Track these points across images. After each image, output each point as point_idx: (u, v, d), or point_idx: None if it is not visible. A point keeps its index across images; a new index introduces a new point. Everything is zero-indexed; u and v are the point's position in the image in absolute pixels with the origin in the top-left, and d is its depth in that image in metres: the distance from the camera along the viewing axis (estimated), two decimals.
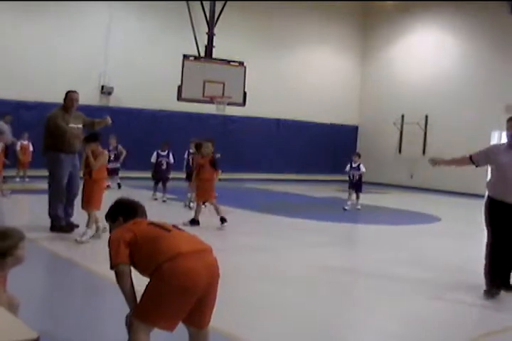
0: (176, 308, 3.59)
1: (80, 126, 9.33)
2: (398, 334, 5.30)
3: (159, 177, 14.12)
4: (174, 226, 4.00)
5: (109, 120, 9.56)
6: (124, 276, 3.69)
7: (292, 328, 5.22)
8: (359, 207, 14.46)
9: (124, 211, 4.02)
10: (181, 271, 3.55)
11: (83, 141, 8.84)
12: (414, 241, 10.57)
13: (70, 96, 9.24)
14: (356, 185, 14.61)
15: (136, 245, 3.70)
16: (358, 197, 14.57)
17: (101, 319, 5.33)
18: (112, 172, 15.93)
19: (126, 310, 3.79)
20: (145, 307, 3.60)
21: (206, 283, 3.63)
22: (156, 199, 13.83)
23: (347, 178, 14.86)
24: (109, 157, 15.90)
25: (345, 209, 14.13)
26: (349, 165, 14.69)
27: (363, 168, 14.57)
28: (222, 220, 10.31)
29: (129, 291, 3.71)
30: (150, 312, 3.58)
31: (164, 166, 14.18)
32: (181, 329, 3.83)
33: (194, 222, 10.37)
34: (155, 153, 14.33)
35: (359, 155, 14.89)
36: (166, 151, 14.34)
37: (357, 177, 14.56)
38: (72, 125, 9.14)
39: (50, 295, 6.08)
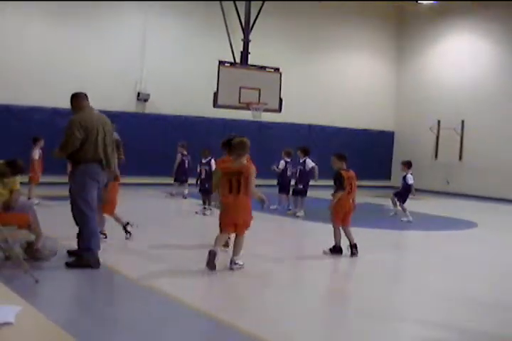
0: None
1: None
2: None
3: (200, 187, 13.16)
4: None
5: None
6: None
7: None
8: None
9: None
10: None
11: None
12: (454, 246, 10.51)
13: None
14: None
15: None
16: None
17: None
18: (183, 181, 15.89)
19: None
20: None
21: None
22: (204, 214, 12.65)
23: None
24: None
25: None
26: None
27: None
28: (353, 249, 8.79)
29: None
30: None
31: (203, 175, 13.10)
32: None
33: (337, 249, 8.90)
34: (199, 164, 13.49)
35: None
36: (208, 158, 13.19)
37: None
38: None
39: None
